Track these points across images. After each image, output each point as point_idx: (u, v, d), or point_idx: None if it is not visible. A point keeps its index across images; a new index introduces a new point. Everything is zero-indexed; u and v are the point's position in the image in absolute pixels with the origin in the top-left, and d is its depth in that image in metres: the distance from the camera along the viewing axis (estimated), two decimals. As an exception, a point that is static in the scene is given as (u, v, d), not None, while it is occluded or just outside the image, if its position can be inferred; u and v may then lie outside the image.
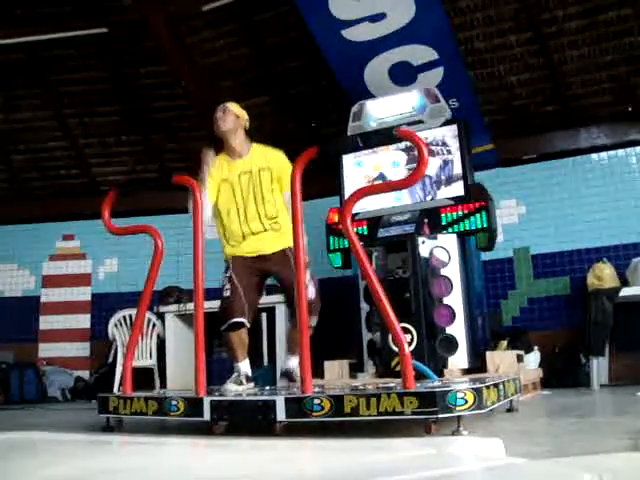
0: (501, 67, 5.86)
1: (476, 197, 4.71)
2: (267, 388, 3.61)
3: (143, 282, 3.33)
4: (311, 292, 3.41)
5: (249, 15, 6.18)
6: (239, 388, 3.34)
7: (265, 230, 3.61)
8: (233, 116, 3.65)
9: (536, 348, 5.17)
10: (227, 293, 3.52)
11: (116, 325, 6.14)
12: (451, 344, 4.42)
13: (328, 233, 5.19)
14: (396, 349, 2.64)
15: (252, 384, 3.51)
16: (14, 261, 7.25)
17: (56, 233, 7.26)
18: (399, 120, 4.99)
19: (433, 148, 4.87)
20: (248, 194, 3.60)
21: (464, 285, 4.56)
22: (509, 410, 3.22)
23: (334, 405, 2.46)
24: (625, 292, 4.89)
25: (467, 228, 4.66)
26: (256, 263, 3.61)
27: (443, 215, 4.72)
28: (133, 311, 5.50)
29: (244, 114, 3.73)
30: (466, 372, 4.36)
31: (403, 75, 5.35)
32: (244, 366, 3.54)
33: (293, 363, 3.59)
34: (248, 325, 3.51)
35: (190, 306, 5.35)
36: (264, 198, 3.59)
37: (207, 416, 2.73)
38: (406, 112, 5.08)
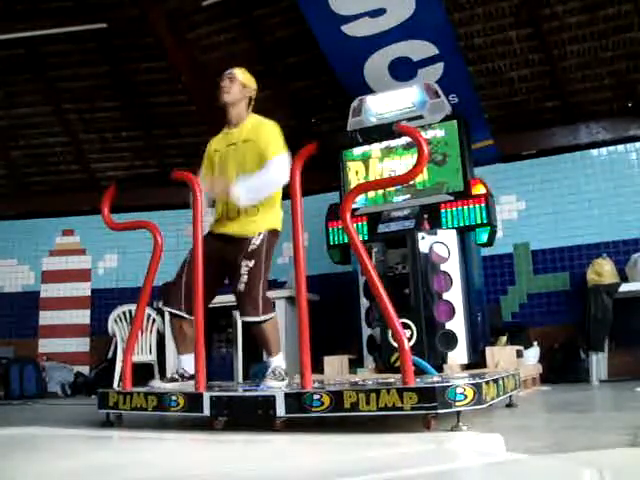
0: (501, 63, 5.85)
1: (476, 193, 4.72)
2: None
3: (143, 277, 3.34)
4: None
5: (249, 10, 6.17)
6: (166, 385, 3.18)
7: (238, 215, 3.24)
8: (239, 86, 3.33)
9: (535, 344, 5.18)
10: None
11: (116, 320, 6.15)
12: (451, 340, 4.43)
13: (327, 229, 5.20)
14: (396, 345, 2.64)
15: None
16: (14, 256, 7.25)
17: (56, 228, 7.26)
18: (399, 115, 4.99)
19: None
20: (227, 164, 3.29)
21: (464, 281, 4.57)
22: (508, 405, 3.23)
23: (334, 400, 2.46)
24: (625, 288, 4.90)
25: (467, 224, 4.67)
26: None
27: (443, 210, 4.73)
28: (133, 306, 5.51)
29: (252, 83, 3.40)
30: (466, 367, 4.36)
31: (403, 70, 5.34)
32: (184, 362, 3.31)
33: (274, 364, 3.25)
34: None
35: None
36: (244, 171, 3.21)
37: (207, 411, 2.73)
38: (406, 107, 5.08)
